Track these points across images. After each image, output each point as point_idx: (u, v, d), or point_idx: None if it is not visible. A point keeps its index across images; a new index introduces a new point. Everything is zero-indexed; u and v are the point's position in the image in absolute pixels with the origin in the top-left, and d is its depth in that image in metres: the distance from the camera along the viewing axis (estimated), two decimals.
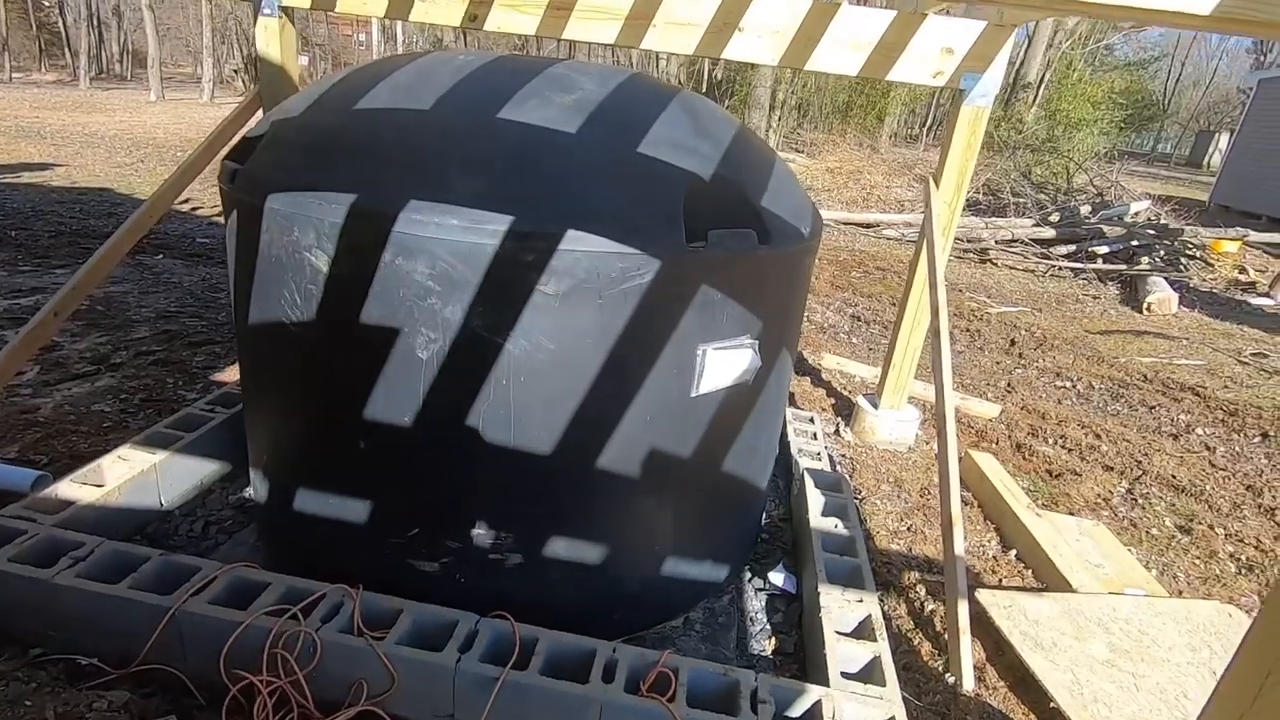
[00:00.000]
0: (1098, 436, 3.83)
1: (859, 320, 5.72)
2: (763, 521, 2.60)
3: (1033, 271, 8.13)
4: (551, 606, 1.80)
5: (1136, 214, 9.71)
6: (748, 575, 2.31)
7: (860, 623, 1.90)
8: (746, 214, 1.75)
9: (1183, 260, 8.39)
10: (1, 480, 2.19)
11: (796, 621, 2.12)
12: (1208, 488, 3.37)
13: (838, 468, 3.13)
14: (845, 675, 1.70)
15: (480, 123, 1.67)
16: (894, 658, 1.79)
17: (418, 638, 1.63)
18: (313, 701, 1.56)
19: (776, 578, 2.28)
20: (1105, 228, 8.55)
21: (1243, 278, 8.27)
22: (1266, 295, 7.63)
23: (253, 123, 2.58)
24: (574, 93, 1.76)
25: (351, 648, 1.58)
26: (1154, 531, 2.98)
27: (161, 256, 5.26)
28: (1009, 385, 4.56)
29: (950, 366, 2.53)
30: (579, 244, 1.50)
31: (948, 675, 2.00)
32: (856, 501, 2.79)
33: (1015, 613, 2.15)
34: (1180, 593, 2.58)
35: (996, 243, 8.61)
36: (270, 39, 3.06)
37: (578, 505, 1.79)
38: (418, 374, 1.60)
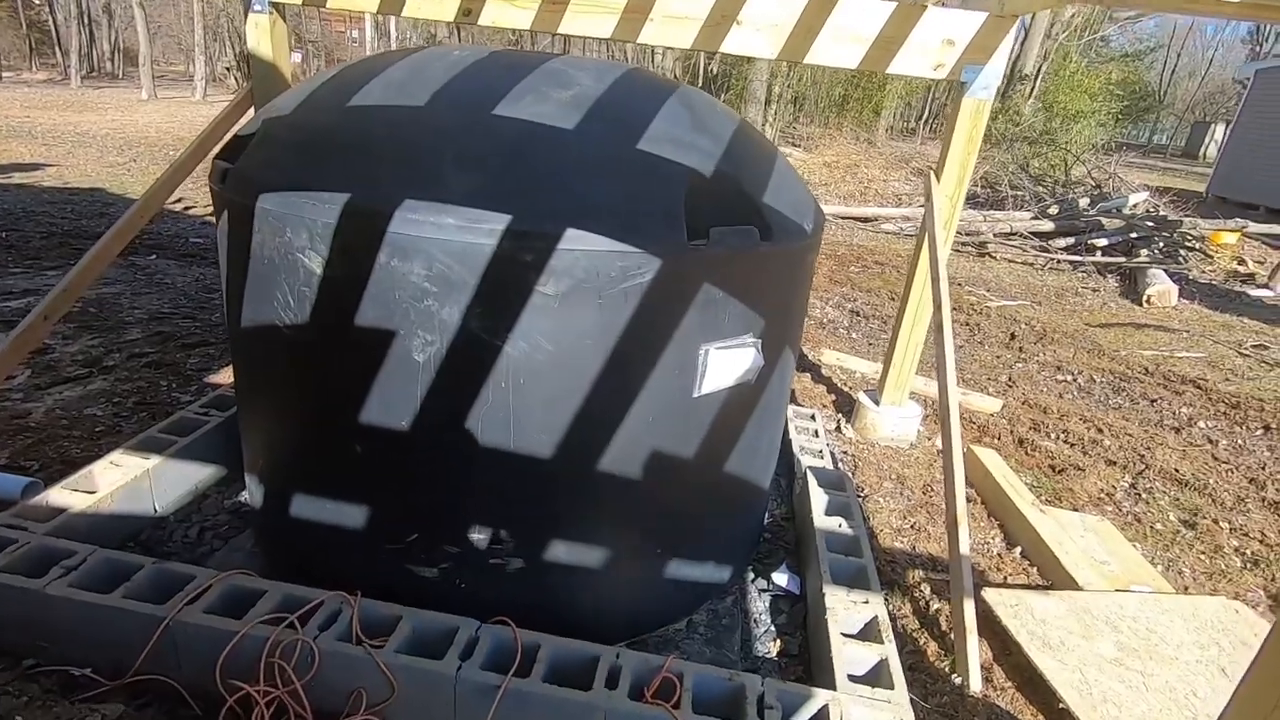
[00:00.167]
0: (1100, 431, 3.81)
1: (858, 315, 5.69)
2: (765, 521, 2.58)
3: (1032, 265, 8.11)
4: (553, 611, 1.77)
5: (1135, 206, 9.69)
6: (751, 576, 2.29)
7: (866, 624, 1.88)
8: (748, 211, 1.72)
9: (1182, 252, 8.37)
10: None
11: (801, 623, 2.10)
12: (1211, 481, 3.35)
13: (839, 465, 3.10)
14: (852, 678, 1.67)
15: (476, 119, 1.63)
16: (900, 658, 1.77)
17: (417, 645, 1.60)
18: (311, 711, 1.53)
19: (780, 578, 2.25)
20: (1104, 220, 8.54)
21: (1242, 269, 8.26)
22: (1266, 286, 7.62)
23: (244, 120, 2.54)
24: (571, 88, 1.72)
25: (350, 656, 1.55)
26: (1158, 526, 2.96)
27: (154, 257, 5.21)
28: (1010, 380, 4.53)
29: (953, 362, 2.50)
30: (578, 243, 1.46)
31: (954, 676, 1.98)
32: (859, 499, 2.77)
33: (1022, 611, 2.12)
34: (1186, 588, 2.56)
35: (995, 236, 8.58)
36: (261, 36, 3.01)
37: (579, 508, 1.76)
38: (415, 377, 1.56)
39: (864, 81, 18.65)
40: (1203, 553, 2.80)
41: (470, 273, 1.46)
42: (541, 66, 1.80)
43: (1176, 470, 3.43)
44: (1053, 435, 3.73)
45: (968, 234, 8.55)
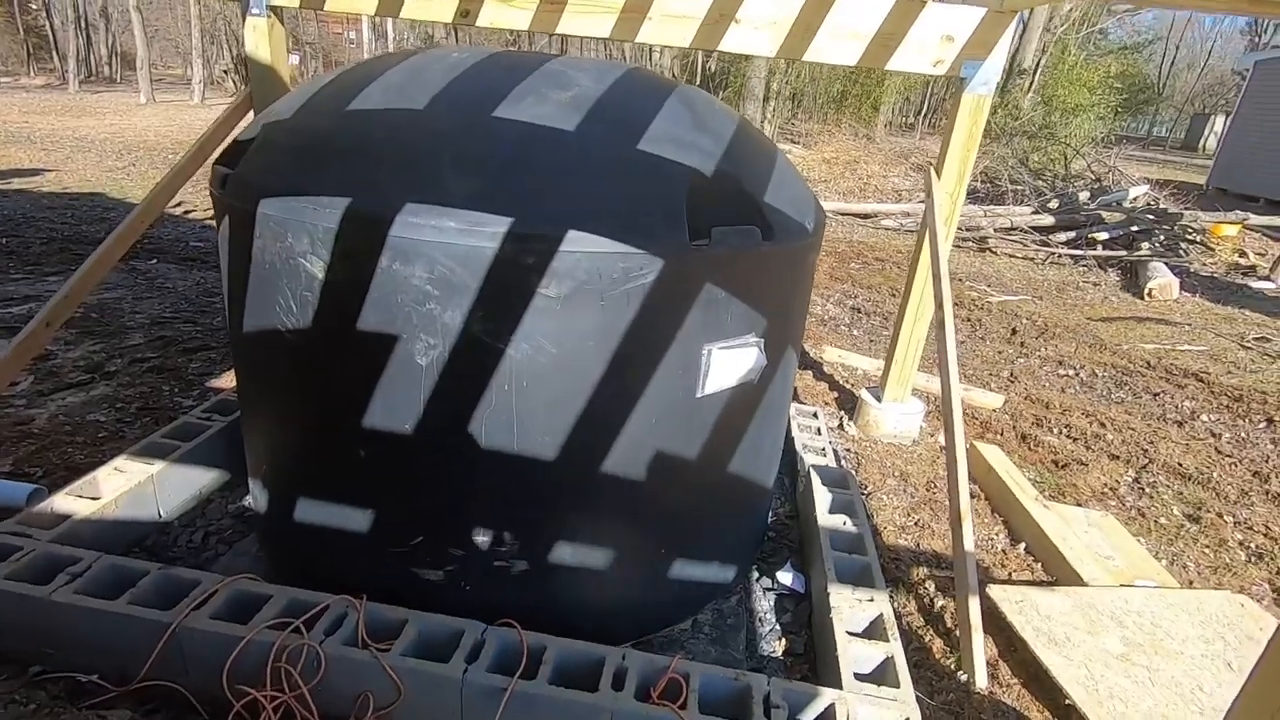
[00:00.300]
0: (1103, 425, 3.80)
1: (859, 312, 5.69)
2: (769, 520, 2.58)
3: (1032, 259, 8.10)
4: (558, 613, 1.78)
5: (1135, 199, 9.67)
6: (755, 575, 2.29)
7: (871, 622, 1.88)
8: (750, 210, 1.72)
9: (1183, 245, 8.36)
10: None
11: (806, 621, 2.10)
12: (1215, 475, 3.35)
13: (842, 463, 3.10)
14: (858, 676, 1.68)
15: (476, 122, 1.63)
16: (905, 656, 1.77)
17: (423, 648, 1.60)
18: (318, 715, 1.53)
19: (785, 577, 2.25)
20: (1104, 213, 8.52)
21: (1243, 261, 8.25)
22: (1267, 279, 7.60)
23: (244, 124, 2.54)
24: (570, 89, 1.72)
25: (356, 660, 1.55)
26: (1162, 521, 2.96)
27: (155, 261, 5.21)
28: (1012, 375, 4.53)
29: (956, 359, 2.50)
30: (580, 245, 1.46)
31: (960, 673, 1.98)
32: (863, 497, 2.77)
33: (1027, 608, 2.12)
34: (1191, 583, 2.56)
35: (995, 231, 8.57)
36: (259, 39, 3.01)
37: (583, 510, 1.76)
38: (417, 380, 1.56)
39: (863, 77, 18.63)
40: (1207, 547, 2.80)
41: (472, 276, 1.46)
42: (541, 68, 1.80)
43: (1180, 464, 3.43)
44: (1055, 430, 3.73)
45: (968, 229, 8.54)
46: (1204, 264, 8.21)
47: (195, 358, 3.55)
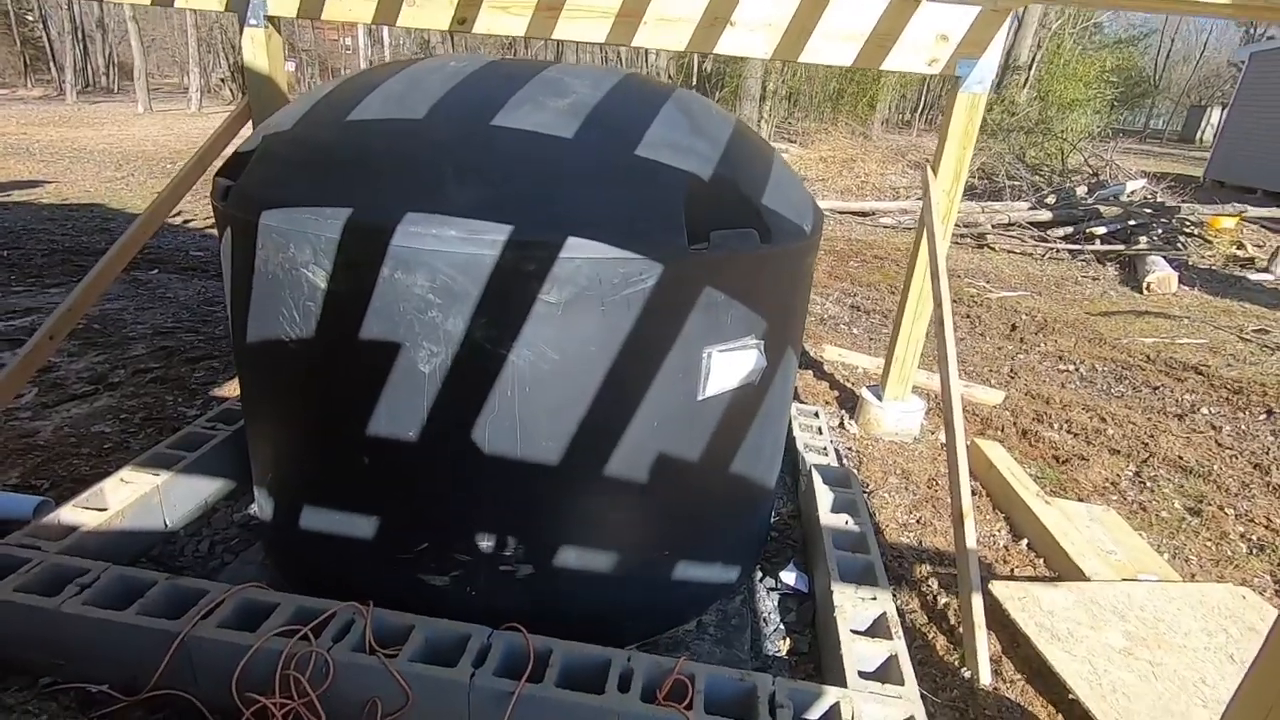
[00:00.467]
0: (1103, 420, 3.81)
1: (859, 310, 5.70)
2: (772, 520, 2.59)
3: (1031, 255, 8.11)
4: (564, 616, 1.79)
5: (1132, 193, 9.68)
6: (759, 575, 2.30)
7: (875, 621, 1.89)
8: (747, 213, 1.73)
9: (1181, 238, 8.36)
10: (2, 508, 2.17)
11: (810, 620, 2.11)
12: (1215, 468, 3.36)
13: (844, 461, 3.11)
14: (862, 675, 1.69)
15: (475, 131, 1.64)
16: (909, 654, 1.78)
17: (431, 654, 1.62)
18: None
19: (788, 577, 2.26)
20: (1102, 208, 8.53)
21: (1241, 254, 8.25)
22: (1266, 271, 7.61)
23: (243, 134, 2.55)
24: (568, 96, 1.73)
25: (364, 666, 1.57)
26: (1164, 514, 2.97)
27: (156, 271, 5.23)
28: (1012, 371, 4.54)
29: (955, 357, 2.51)
30: (580, 251, 1.48)
31: (964, 670, 1.99)
32: (865, 495, 2.78)
33: (1030, 604, 2.13)
34: (1193, 576, 2.57)
35: (993, 227, 8.58)
36: (257, 49, 3.03)
37: (587, 513, 1.77)
38: (421, 388, 1.57)
39: (858, 75, 18.65)
40: (1209, 540, 2.81)
41: (473, 283, 1.47)
42: (538, 75, 1.81)
43: (1180, 457, 3.44)
44: (1056, 426, 3.74)
45: (966, 225, 8.55)
46: (1202, 257, 8.21)
47: (198, 367, 3.57)
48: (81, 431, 2.85)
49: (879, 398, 3.45)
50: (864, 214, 9.76)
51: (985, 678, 1.94)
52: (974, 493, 2.98)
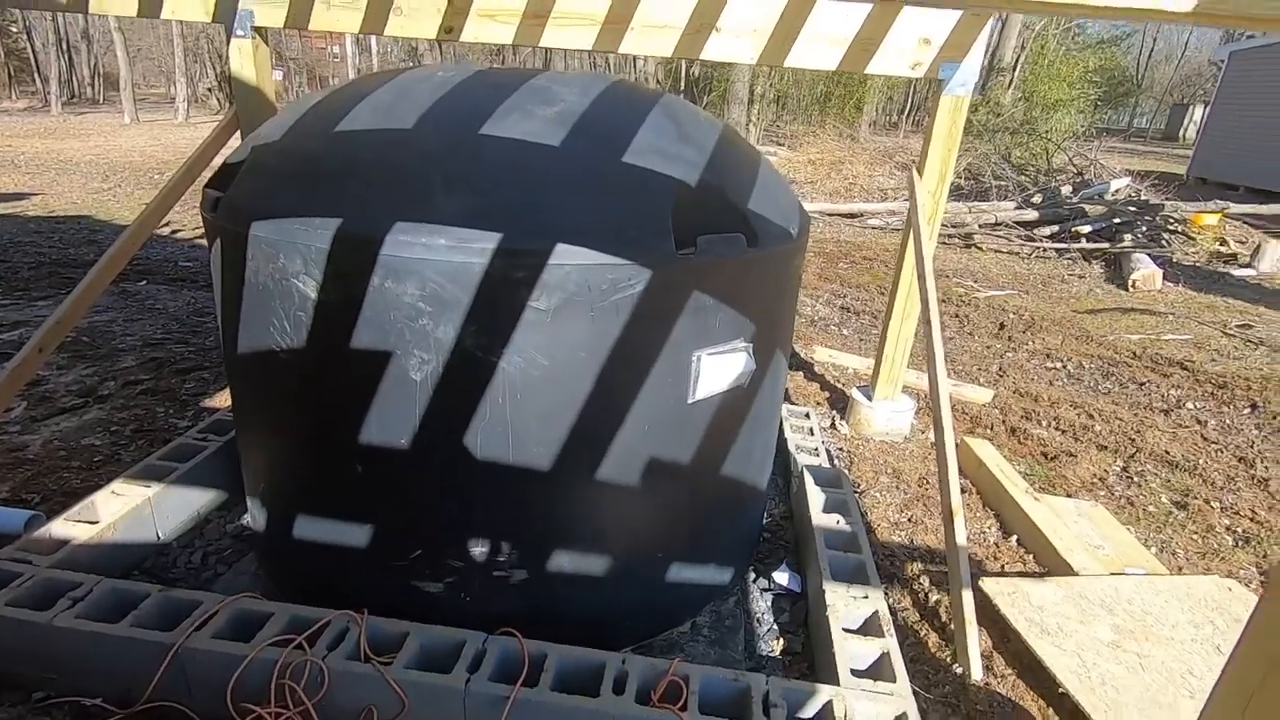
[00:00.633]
0: (1090, 416, 3.86)
1: (849, 311, 5.74)
2: (764, 521, 2.60)
3: (1017, 254, 8.18)
4: (558, 620, 1.80)
5: (1117, 191, 9.79)
6: (752, 576, 2.31)
7: (867, 619, 1.91)
8: (734, 218, 1.75)
9: (1165, 235, 8.46)
10: None
11: (803, 620, 2.13)
12: (1201, 462, 3.40)
13: (835, 462, 3.14)
14: (855, 673, 1.70)
15: (463, 140, 1.66)
16: (901, 651, 1.80)
17: (425, 660, 1.62)
18: None
19: (781, 577, 2.28)
20: (1087, 207, 8.62)
21: (1224, 250, 8.36)
22: (1248, 266, 7.71)
23: (232, 144, 2.55)
24: (555, 104, 1.75)
25: (359, 674, 1.57)
26: (1151, 509, 3.00)
27: (144, 283, 5.21)
28: (1000, 369, 4.58)
29: (943, 356, 2.54)
30: (568, 258, 1.49)
31: (955, 666, 2.01)
32: (856, 495, 2.80)
33: (1019, 599, 2.16)
34: (1180, 569, 2.61)
35: (980, 227, 8.65)
36: (244, 60, 3.03)
37: (580, 518, 1.78)
38: (412, 396, 1.58)
39: (845, 78, 18.78)
40: (1195, 533, 2.84)
41: (463, 291, 1.49)
42: (525, 84, 1.83)
43: (1167, 452, 3.48)
44: (1044, 423, 3.78)
45: (953, 226, 8.62)
46: (1186, 254, 8.31)
47: (189, 378, 3.56)
48: (71, 444, 2.83)
49: (869, 398, 3.48)
50: (852, 216, 9.82)
51: (976, 673, 1.96)
52: (964, 491, 3.01)
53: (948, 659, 2.05)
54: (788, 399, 3.82)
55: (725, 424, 1.89)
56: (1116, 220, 8.27)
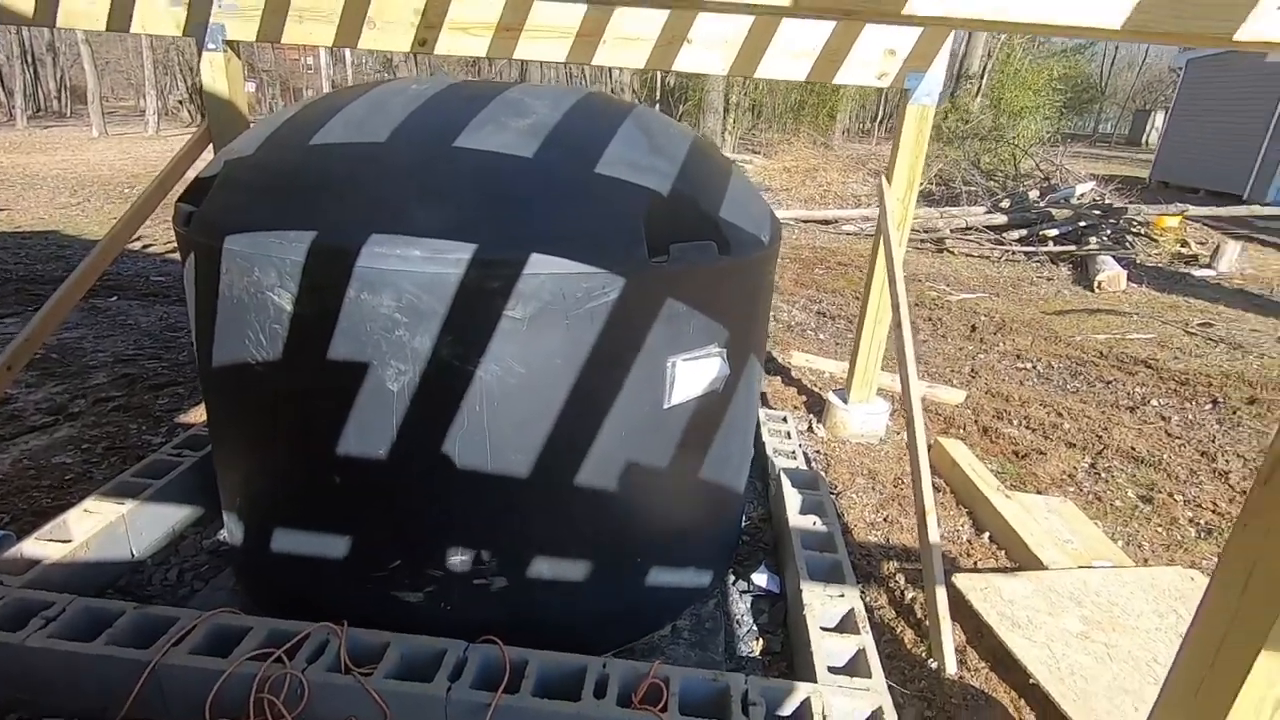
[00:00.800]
0: (1059, 415, 3.95)
1: (825, 316, 5.82)
2: (743, 524, 2.64)
3: (988, 258, 8.35)
4: (540, 627, 1.81)
5: (1082, 195, 10.04)
6: (732, 578, 2.34)
7: (843, 617, 1.95)
8: (706, 226, 1.79)
9: (1128, 238, 8.70)
10: None
11: (782, 620, 2.16)
12: (1165, 457, 3.51)
13: (812, 465, 3.18)
14: (832, 670, 1.74)
15: (437, 152, 1.68)
16: (878, 648, 1.84)
17: (406, 670, 1.63)
18: None
19: (760, 578, 2.31)
20: (1053, 211, 8.84)
21: (1185, 251, 8.61)
22: (1208, 267, 7.95)
23: (204, 158, 2.55)
24: (528, 117, 1.78)
25: (340, 686, 1.57)
26: (1118, 503, 3.09)
27: (115, 298, 5.13)
28: (973, 370, 4.68)
29: (914, 359, 2.60)
30: (543, 267, 1.52)
31: (931, 661, 2.05)
32: (833, 496, 2.85)
33: (991, 594, 2.21)
34: (1146, 561, 2.68)
35: (952, 232, 8.82)
36: (216, 73, 3.02)
37: (559, 524, 1.80)
38: (390, 406, 1.60)
39: (818, 87, 19.06)
40: (1160, 526, 2.93)
41: (439, 302, 1.51)
42: (499, 96, 1.86)
43: (1133, 448, 3.58)
44: (1015, 422, 3.87)
45: (925, 231, 8.78)
46: (1149, 255, 8.55)
47: (163, 394, 3.51)
48: (41, 463, 2.79)
49: (845, 401, 3.54)
50: (827, 222, 9.96)
51: (951, 667, 2.00)
52: (938, 490, 3.07)
53: (923, 654, 2.09)
54: (766, 403, 3.87)
55: (702, 428, 1.93)
56: (1082, 224, 8.49)
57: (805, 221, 9.94)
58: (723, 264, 1.78)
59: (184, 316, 4.67)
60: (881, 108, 29.87)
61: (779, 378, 4.30)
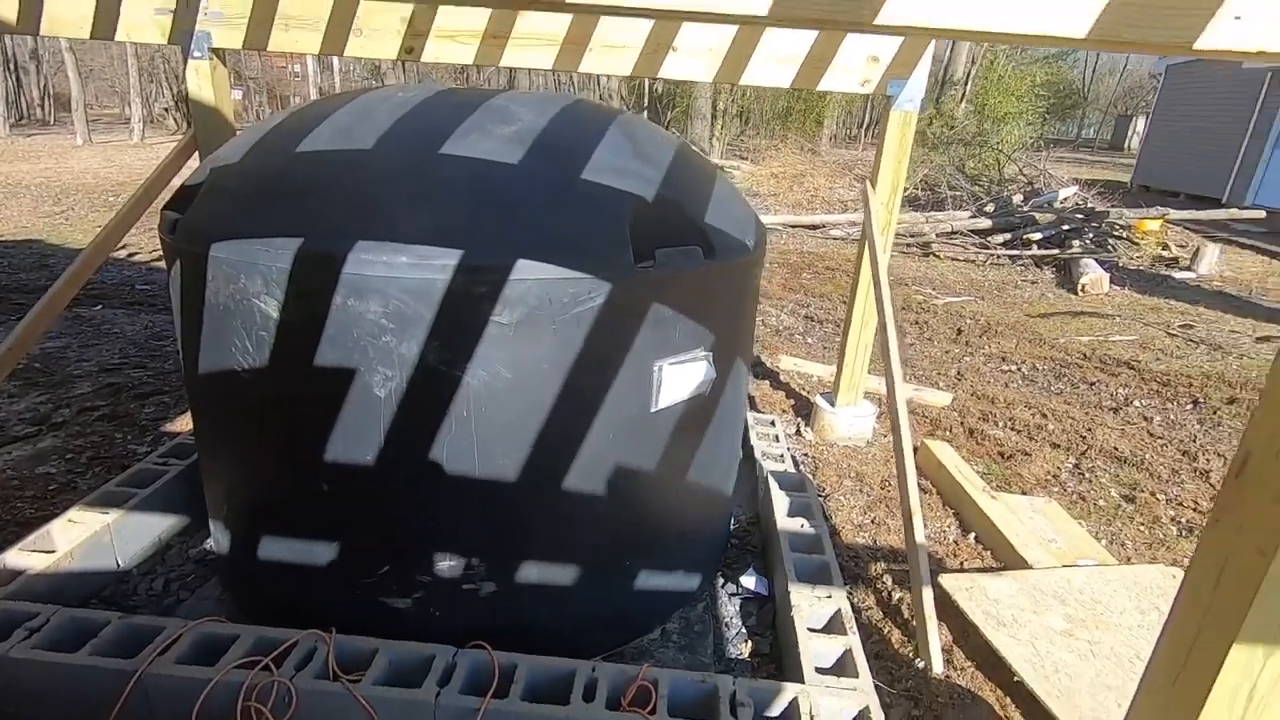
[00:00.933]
0: (1044, 416, 4.00)
1: (813, 320, 5.86)
2: (732, 527, 2.65)
3: (973, 261, 8.44)
4: (529, 632, 1.81)
5: (1065, 200, 10.17)
6: (720, 581, 2.35)
7: (830, 618, 1.96)
8: (691, 231, 1.81)
9: (1111, 241, 8.81)
10: None
11: (770, 622, 2.17)
12: (1147, 456, 3.55)
13: (801, 468, 3.20)
14: (819, 670, 1.75)
15: (423, 159, 1.69)
16: (866, 648, 1.85)
17: (395, 676, 1.63)
18: None
19: (748, 581, 2.32)
20: (1037, 215, 8.94)
21: (1166, 254, 8.73)
22: (1188, 269, 8.07)
23: (190, 166, 2.54)
24: (514, 124, 1.80)
25: (328, 693, 1.57)
26: (1101, 503, 3.13)
27: (100, 307, 5.09)
28: (959, 373, 4.73)
29: (899, 362, 2.63)
30: (529, 273, 1.53)
31: (918, 660, 2.07)
32: (820, 499, 2.87)
33: (977, 594, 2.24)
34: (1128, 559, 2.72)
35: (937, 236, 8.91)
36: (202, 81, 3.02)
37: (547, 529, 1.80)
38: (377, 412, 1.60)
39: (805, 94, 19.20)
40: (1142, 524, 2.97)
41: (426, 308, 1.51)
42: (485, 104, 1.87)
43: (1116, 448, 3.63)
44: (1001, 424, 3.91)
45: (911, 235, 8.86)
46: (1131, 258, 8.66)
47: (148, 403, 3.49)
48: (25, 474, 2.76)
49: (832, 404, 3.57)
50: (815, 227, 10.03)
51: (937, 666, 2.02)
52: (925, 491, 3.10)
53: (910, 654, 2.11)
54: (755, 407, 3.89)
55: (689, 431, 1.94)
56: (1065, 227, 8.60)
57: (793, 227, 10.00)
58: (708, 268, 1.80)
59: (169, 325, 4.65)
60: (868, 114, 30.12)
61: (768, 382, 4.32)
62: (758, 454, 3.05)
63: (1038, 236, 8.44)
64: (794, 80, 3.01)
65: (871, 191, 3.16)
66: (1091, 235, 8.61)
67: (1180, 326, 5.99)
